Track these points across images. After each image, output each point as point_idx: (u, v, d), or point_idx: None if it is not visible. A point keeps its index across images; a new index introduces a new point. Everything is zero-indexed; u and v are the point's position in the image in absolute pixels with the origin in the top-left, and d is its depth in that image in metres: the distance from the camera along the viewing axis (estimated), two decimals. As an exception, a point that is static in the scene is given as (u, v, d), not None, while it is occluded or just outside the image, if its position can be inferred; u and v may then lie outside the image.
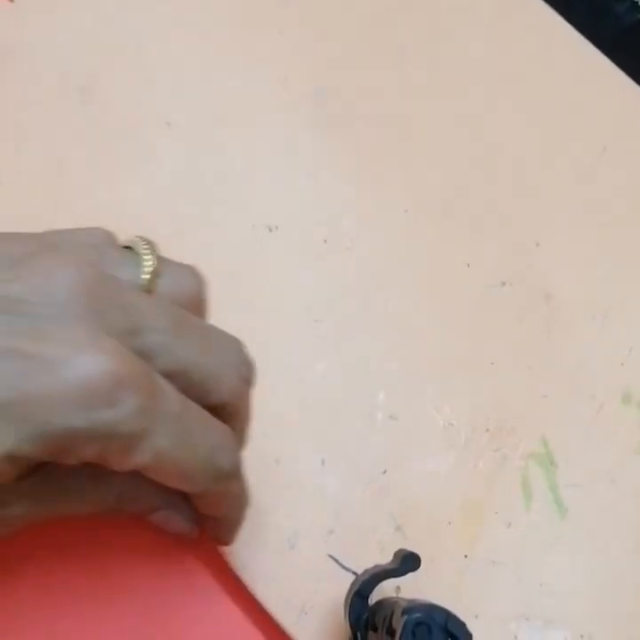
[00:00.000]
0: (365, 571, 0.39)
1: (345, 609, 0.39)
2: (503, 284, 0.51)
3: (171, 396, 0.31)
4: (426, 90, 0.56)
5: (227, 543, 0.39)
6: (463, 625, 0.35)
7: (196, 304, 0.36)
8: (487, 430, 0.47)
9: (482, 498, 0.45)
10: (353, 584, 0.39)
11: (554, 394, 0.49)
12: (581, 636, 0.43)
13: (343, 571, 0.42)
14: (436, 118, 0.55)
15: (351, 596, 0.38)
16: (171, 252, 0.48)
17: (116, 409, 0.28)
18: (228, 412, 0.35)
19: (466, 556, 0.44)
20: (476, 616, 0.43)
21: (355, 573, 0.42)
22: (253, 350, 0.46)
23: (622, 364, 0.50)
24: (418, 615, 0.34)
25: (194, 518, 0.36)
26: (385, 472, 0.45)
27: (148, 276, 0.33)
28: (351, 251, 0.51)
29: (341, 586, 0.40)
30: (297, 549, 0.42)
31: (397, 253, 0.51)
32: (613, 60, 0.58)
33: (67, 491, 0.32)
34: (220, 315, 0.47)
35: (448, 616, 0.34)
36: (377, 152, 0.54)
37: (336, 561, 0.43)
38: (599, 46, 0.58)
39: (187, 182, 0.51)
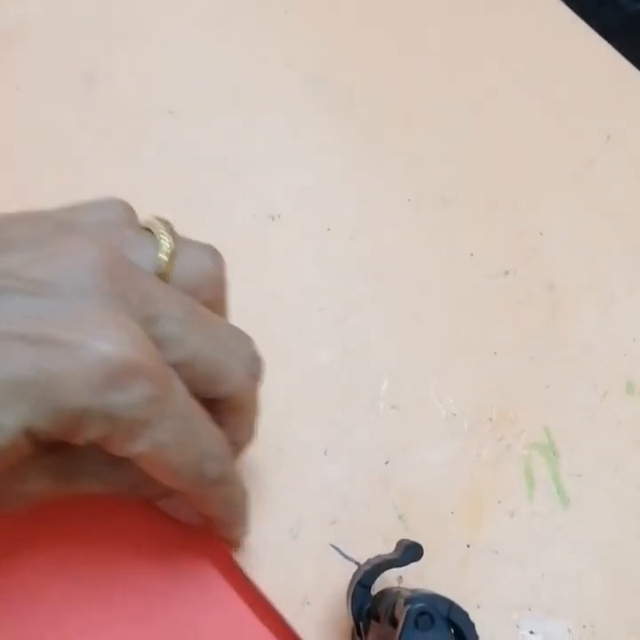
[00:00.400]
0: (368, 561, 0.39)
1: (347, 599, 0.39)
2: (506, 273, 0.51)
3: (180, 392, 0.31)
4: (429, 77, 0.56)
5: (231, 543, 0.40)
6: (466, 615, 0.35)
7: (215, 284, 0.36)
8: (490, 420, 0.47)
9: (484, 488, 0.45)
10: (355, 574, 0.39)
11: (557, 383, 0.49)
12: (584, 627, 0.43)
13: (346, 561, 0.42)
14: (440, 106, 0.55)
15: (354, 586, 0.38)
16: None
17: (128, 394, 0.28)
18: (235, 406, 0.35)
19: (468, 546, 0.44)
20: (479, 606, 0.43)
21: (357, 563, 0.42)
22: (256, 339, 0.46)
23: (625, 354, 0.50)
24: (420, 605, 0.34)
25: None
26: (387, 462, 0.45)
27: (166, 258, 0.33)
28: (354, 240, 0.50)
29: (344, 576, 0.40)
30: (299, 539, 0.42)
31: (400, 242, 0.51)
32: (618, 49, 0.58)
33: (82, 472, 0.33)
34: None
35: (451, 606, 0.34)
36: (380, 139, 0.53)
37: (338, 551, 0.43)
38: (604, 35, 0.58)
39: (188, 171, 0.51)
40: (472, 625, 0.34)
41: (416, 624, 0.33)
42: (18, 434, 0.28)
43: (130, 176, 0.50)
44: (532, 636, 0.43)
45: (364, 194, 0.52)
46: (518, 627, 0.43)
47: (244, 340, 0.36)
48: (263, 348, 0.46)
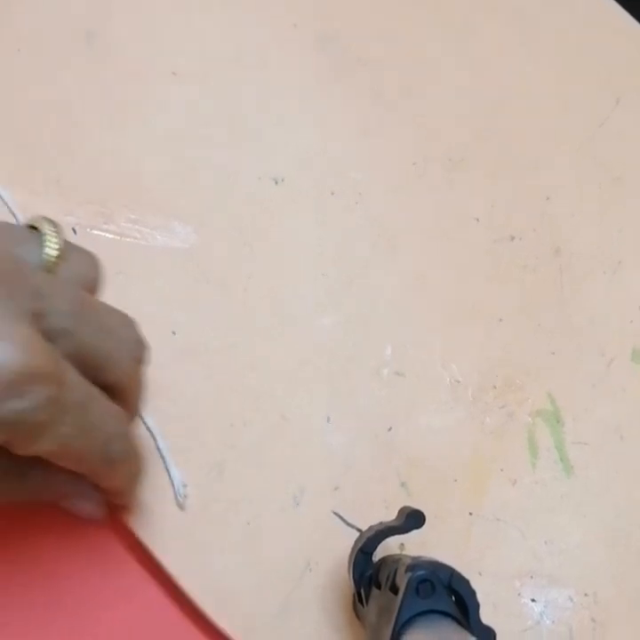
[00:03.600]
0: (370, 527, 0.39)
1: (349, 566, 0.39)
2: (512, 238, 0.51)
3: (76, 384, 0.31)
4: (437, 39, 0.55)
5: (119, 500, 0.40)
6: (467, 582, 0.35)
7: (91, 290, 0.36)
8: (494, 387, 0.47)
9: (488, 455, 0.45)
10: (357, 541, 0.39)
11: (562, 350, 0.48)
12: (586, 595, 0.44)
13: (348, 527, 0.42)
14: (447, 69, 0.54)
15: (355, 552, 0.38)
16: (173, 209, 0.47)
17: (26, 400, 0.28)
18: (121, 389, 0.35)
19: (471, 514, 0.44)
20: (480, 573, 0.43)
21: (359, 530, 0.42)
22: (259, 305, 0.46)
23: (631, 321, 0.50)
24: (421, 572, 0.34)
25: (101, 503, 0.37)
26: (390, 429, 0.45)
27: (54, 259, 0.33)
28: (359, 204, 0.50)
29: (346, 543, 0.40)
30: (302, 506, 0.42)
31: (405, 207, 0.50)
32: (629, 11, 0.57)
33: None
34: (227, 270, 0.46)
35: (452, 573, 0.35)
36: (386, 102, 0.53)
37: (340, 518, 0.43)
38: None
39: (191, 133, 0.50)
40: (473, 592, 0.34)
41: (417, 591, 0.33)
42: None
43: (132, 138, 0.50)
44: (533, 603, 0.43)
45: (369, 157, 0.51)
46: (520, 594, 0.43)
47: (129, 325, 0.36)
48: (266, 313, 0.46)
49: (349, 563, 0.39)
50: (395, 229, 0.50)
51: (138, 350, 0.36)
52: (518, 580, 0.43)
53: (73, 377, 0.31)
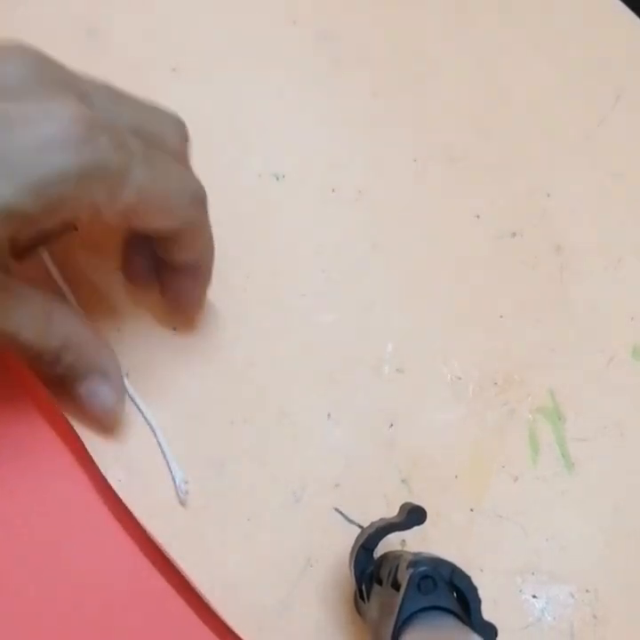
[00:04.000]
0: (371, 524, 0.39)
1: (350, 562, 0.39)
2: (513, 235, 0.50)
3: (134, 138, 0.34)
4: (439, 35, 0.55)
5: (200, 303, 0.43)
6: (468, 578, 0.35)
7: None
8: (495, 384, 0.47)
9: (489, 452, 0.45)
10: (358, 537, 0.39)
11: (563, 347, 0.48)
12: (587, 591, 0.43)
13: (349, 524, 0.42)
14: (449, 64, 0.54)
15: (356, 549, 0.38)
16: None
17: (96, 144, 0.31)
18: (188, 233, 0.38)
19: (472, 510, 0.44)
20: (482, 570, 0.43)
21: (360, 526, 0.42)
22: (259, 301, 0.46)
23: (632, 318, 0.50)
24: (423, 569, 0.34)
25: (122, 391, 0.39)
26: (391, 426, 0.45)
27: None
28: (359, 201, 0.50)
29: (347, 539, 0.40)
30: (302, 502, 0.42)
31: (406, 204, 0.50)
32: (631, 7, 0.57)
33: (13, 312, 0.34)
34: (226, 268, 0.46)
35: (453, 570, 0.35)
36: (386, 98, 0.53)
37: (342, 514, 0.43)
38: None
39: (191, 129, 0.50)
40: (475, 589, 0.34)
41: (418, 587, 0.33)
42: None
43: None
44: (534, 600, 0.43)
45: (369, 154, 0.51)
46: (521, 591, 0.43)
47: (170, 113, 0.40)
48: (266, 310, 0.46)
49: (351, 559, 0.39)
50: (395, 225, 0.50)
51: (182, 129, 0.40)
52: (519, 577, 0.43)
53: (129, 133, 0.34)
